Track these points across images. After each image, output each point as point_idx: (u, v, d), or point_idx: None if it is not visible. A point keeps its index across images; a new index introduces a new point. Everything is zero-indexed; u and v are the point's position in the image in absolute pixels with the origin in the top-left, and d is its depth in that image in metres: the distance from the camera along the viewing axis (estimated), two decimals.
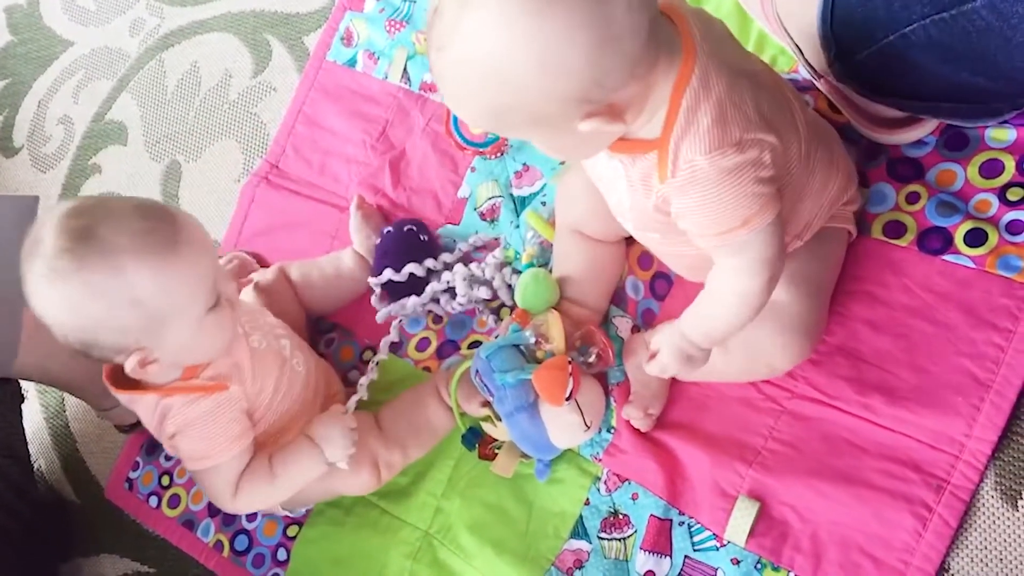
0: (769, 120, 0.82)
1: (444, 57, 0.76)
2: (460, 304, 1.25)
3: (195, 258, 1.01)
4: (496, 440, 1.17)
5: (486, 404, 1.13)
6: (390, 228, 1.31)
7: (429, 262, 1.27)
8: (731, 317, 0.92)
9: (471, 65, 0.75)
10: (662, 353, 0.97)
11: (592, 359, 1.11)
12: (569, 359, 1.08)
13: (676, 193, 0.83)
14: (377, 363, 1.26)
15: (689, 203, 0.83)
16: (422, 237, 1.31)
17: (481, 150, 1.32)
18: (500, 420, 1.12)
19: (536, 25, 0.71)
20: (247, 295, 1.29)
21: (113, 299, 0.97)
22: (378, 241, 1.31)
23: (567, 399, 1.06)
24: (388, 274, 1.27)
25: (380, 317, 1.27)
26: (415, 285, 1.27)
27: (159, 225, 0.99)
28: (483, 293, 1.23)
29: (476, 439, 1.17)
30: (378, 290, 1.29)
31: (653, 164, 0.83)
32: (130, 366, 1.02)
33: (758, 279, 0.87)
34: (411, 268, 1.26)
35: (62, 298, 0.97)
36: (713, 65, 0.79)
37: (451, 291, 1.26)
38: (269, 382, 1.14)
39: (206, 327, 1.04)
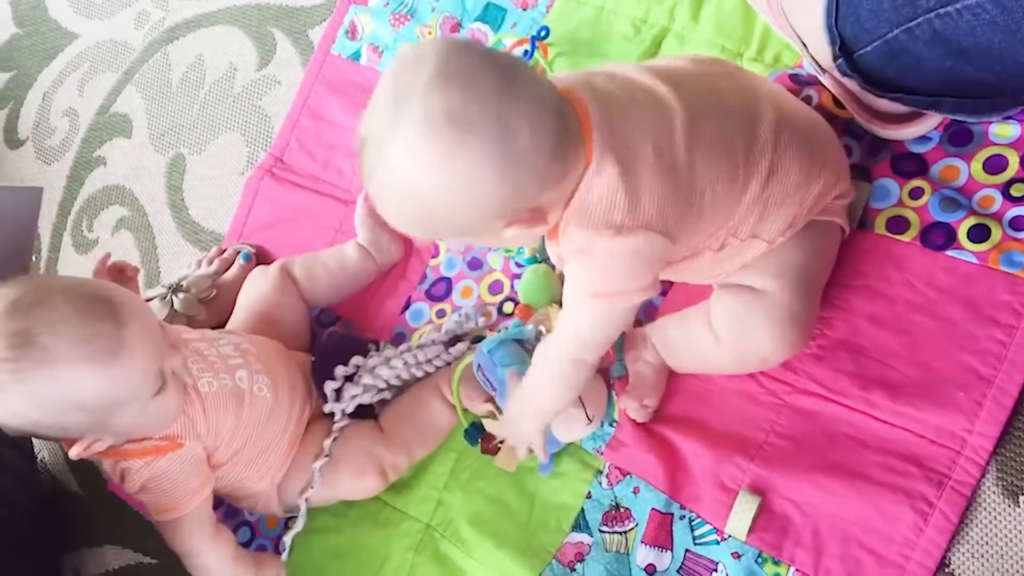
0: (662, 213, 0.87)
1: (373, 183, 0.84)
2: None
3: (140, 355, 0.98)
4: (498, 437, 1.17)
5: (489, 400, 1.13)
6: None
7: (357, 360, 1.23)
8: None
9: (394, 191, 0.83)
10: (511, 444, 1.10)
11: None
12: None
13: (568, 257, 0.91)
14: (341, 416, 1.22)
15: (571, 264, 0.92)
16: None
17: None
18: (502, 414, 1.12)
19: (445, 159, 0.79)
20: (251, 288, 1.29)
21: (55, 407, 0.95)
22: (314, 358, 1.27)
23: None
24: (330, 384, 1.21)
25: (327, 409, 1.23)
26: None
27: (101, 328, 0.95)
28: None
29: (479, 434, 1.18)
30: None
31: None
32: (75, 453, 1.01)
33: (580, 347, 0.97)
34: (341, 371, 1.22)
35: (1, 405, 0.95)
36: (608, 149, 0.85)
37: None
38: (227, 421, 1.13)
39: (153, 407, 1.02)
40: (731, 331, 1.02)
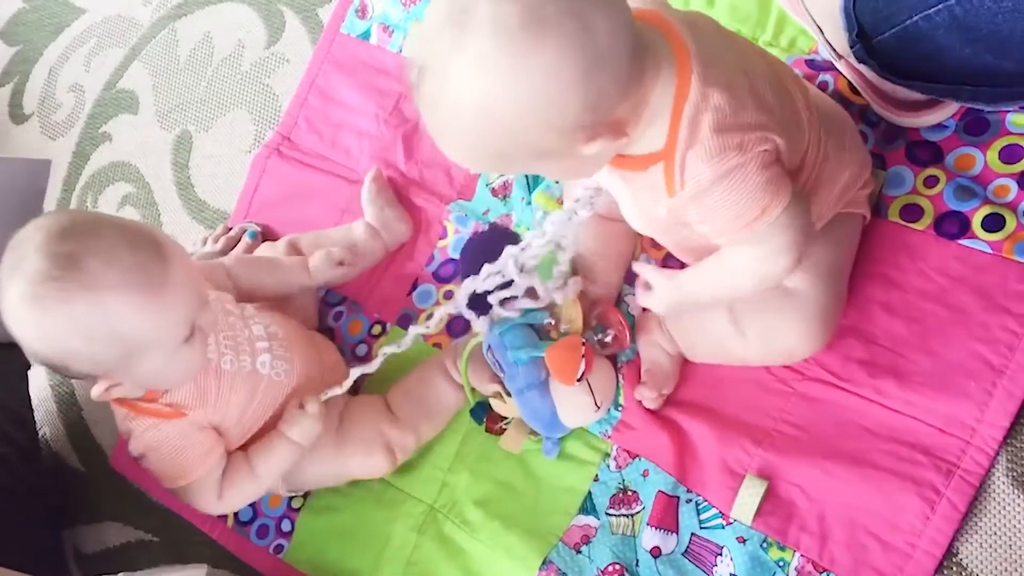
0: (770, 115, 0.83)
1: (438, 114, 0.78)
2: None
3: (181, 295, 0.98)
4: (505, 417, 1.17)
5: (496, 380, 1.13)
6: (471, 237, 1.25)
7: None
8: (740, 292, 0.94)
9: (466, 116, 0.76)
10: (655, 297, 0.98)
11: (608, 339, 1.11)
12: (583, 340, 1.08)
13: (688, 203, 0.84)
14: (384, 356, 1.16)
15: (704, 210, 0.84)
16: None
17: None
18: (510, 397, 1.12)
19: (522, 65, 0.73)
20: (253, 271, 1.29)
21: (93, 334, 0.95)
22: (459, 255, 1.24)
23: (579, 379, 1.06)
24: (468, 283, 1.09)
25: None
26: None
27: (149, 262, 0.96)
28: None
29: (484, 414, 1.17)
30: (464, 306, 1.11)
31: (659, 176, 0.84)
32: (97, 392, 1.01)
33: (782, 262, 0.88)
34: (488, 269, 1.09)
35: (40, 325, 0.94)
36: (709, 71, 0.80)
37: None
38: (237, 400, 1.12)
39: (178, 357, 1.02)
40: (758, 326, 1.01)
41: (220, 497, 1.13)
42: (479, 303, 1.08)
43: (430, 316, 1.12)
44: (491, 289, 1.07)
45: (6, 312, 0.95)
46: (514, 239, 1.10)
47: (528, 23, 0.71)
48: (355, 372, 1.13)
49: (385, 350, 1.12)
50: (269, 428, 1.17)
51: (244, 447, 1.16)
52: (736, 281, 0.92)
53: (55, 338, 0.95)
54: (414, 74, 0.78)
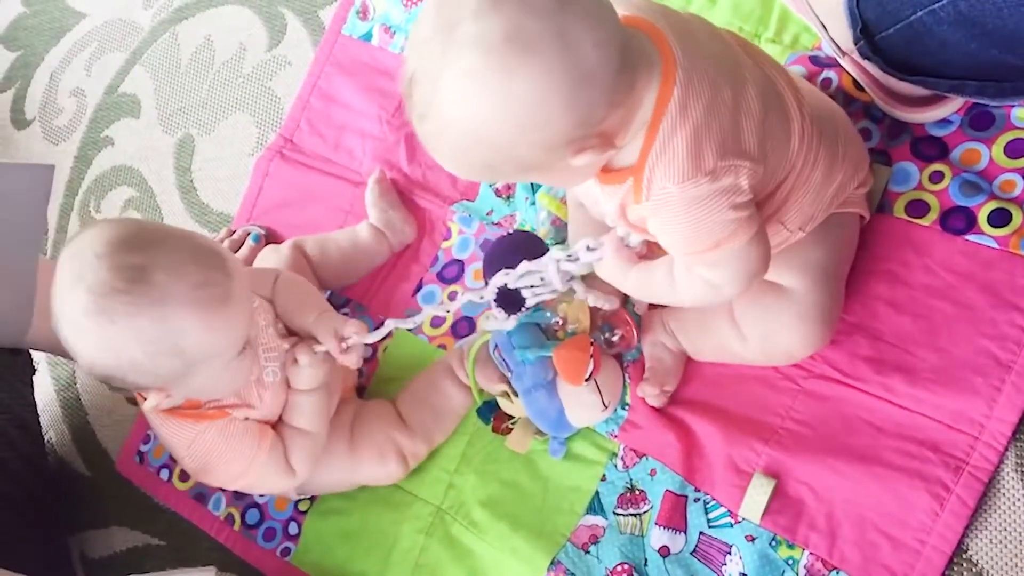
0: (749, 142, 0.82)
1: (427, 125, 0.78)
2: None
3: (241, 312, 0.99)
4: (511, 416, 1.17)
5: (503, 380, 1.13)
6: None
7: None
8: (680, 303, 0.96)
9: (454, 130, 0.76)
10: (602, 266, 0.97)
11: (615, 339, 1.11)
12: (591, 339, 1.08)
13: (650, 214, 0.84)
14: (393, 328, 1.12)
15: (662, 224, 0.85)
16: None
17: None
18: (517, 396, 1.11)
19: (507, 85, 0.72)
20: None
21: (158, 348, 0.95)
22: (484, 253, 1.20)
23: (586, 380, 1.06)
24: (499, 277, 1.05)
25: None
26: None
27: (215, 277, 0.96)
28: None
29: (491, 414, 1.17)
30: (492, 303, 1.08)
31: (628, 190, 0.84)
32: (150, 404, 1.01)
33: (725, 291, 0.89)
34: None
35: (104, 338, 0.94)
36: (694, 82, 0.79)
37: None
38: (277, 404, 1.14)
39: (230, 370, 1.03)
40: (757, 329, 1.01)
41: (293, 469, 1.14)
42: (507, 299, 1.06)
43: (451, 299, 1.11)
44: (522, 287, 1.05)
45: (67, 322, 0.95)
46: (542, 245, 1.09)
47: (511, 42, 0.71)
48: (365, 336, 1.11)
49: (391, 322, 1.09)
50: None
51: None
52: (678, 294, 0.93)
53: (119, 351, 0.95)
54: (404, 83, 0.78)
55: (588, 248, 0.96)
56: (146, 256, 0.93)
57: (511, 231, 1.25)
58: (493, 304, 1.06)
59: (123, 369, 0.96)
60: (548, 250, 1.01)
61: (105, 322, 0.92)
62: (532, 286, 1.03)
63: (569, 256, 0.99)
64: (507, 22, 0.71)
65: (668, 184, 0.80)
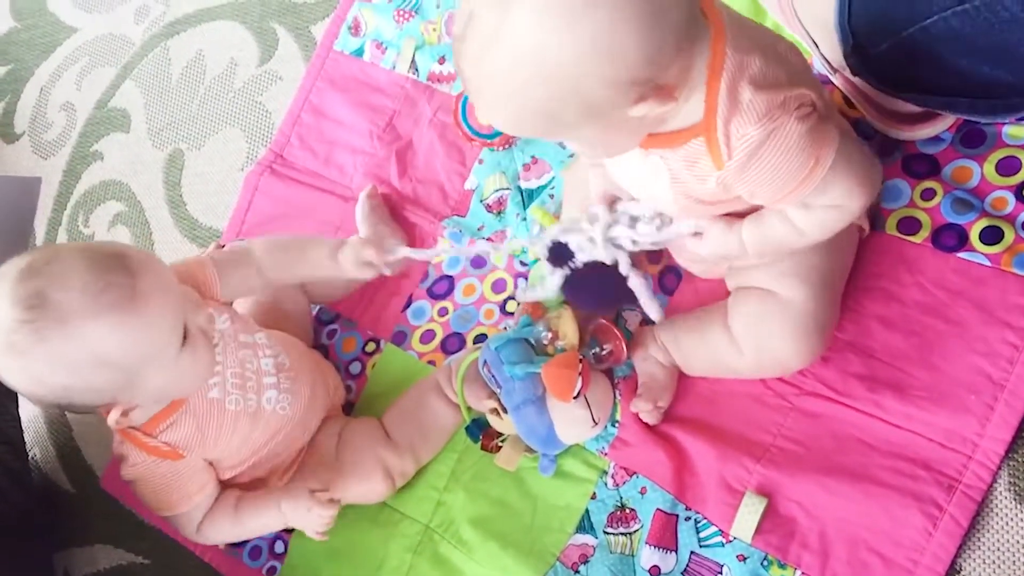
0: (803, 77, 0.82)
1: (488, 64, 0.75)
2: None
3: (156, 305, 0.96)
4: (500, 434, 1.16)
5: (492, 396, 1.12)
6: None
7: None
8: (803, 244, 0.92)
9: (522, 64, 0.73)
10: (705, 243, 0.95)
11: (604, 353, 1.10)
12: (580, 356, 1.07)
13: (738, 172, 0.82)
14: (406, 256, 1.17)
15: (755, 176, 0.83)
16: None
17: (489, 141, 1.31)
18: (506, 413, 1.10)
19: (586, 10, 0.70)
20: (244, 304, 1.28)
21: (78, 365, 0.93)
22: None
23: (575, 397, 1.05)
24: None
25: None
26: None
27: (114, 279, 0.93)
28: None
29: (480, 432, 1.16)
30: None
31: (700, 150, 0.82)
32: (113, 419, 1.00)
33: (855, 202, 0.88)
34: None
35: (26, 371, 0.93)
36: (742, 41, 0.79)
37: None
38: (237, 439, 1.12)
39: (182, 364, 1.00)
40: (752, 337, 1.01)
41: (198, 530, 1.14)
42: (557, 254, 1.04)
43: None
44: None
45: None
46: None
47: None
48: (404, 251, 1.17)
49: (412, 253, 1.16)
50: (272, 459, 1.18)
51: (233, 482, 1.17)
52: (805, 234, 0.90)
53: (44, 380, 0.94)
54: (460, 24, 0.76)
55: (693, 232, 0.95)
56: (40, 279, 0.92)
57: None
58: (546, 254, 1.04)
59: (60, 395, 0.96)
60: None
61: (20, 356, 0.92)
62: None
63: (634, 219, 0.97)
64: None
65: (748, 129, 0.79)
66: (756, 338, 1.01)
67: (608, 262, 1.01)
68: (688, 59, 0.77)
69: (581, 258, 1.02)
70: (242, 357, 1.12)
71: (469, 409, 1.17)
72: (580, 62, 0.72)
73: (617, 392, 1.13)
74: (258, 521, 1.15)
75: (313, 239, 1.26)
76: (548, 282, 1.05)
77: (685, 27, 0.75)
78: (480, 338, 1.23)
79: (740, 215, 0.93)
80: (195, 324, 1.01)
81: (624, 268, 1.01)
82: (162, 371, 0.99)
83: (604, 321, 1.12)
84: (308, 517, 1.12)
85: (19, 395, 1.39)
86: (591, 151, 0.89)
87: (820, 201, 0.87)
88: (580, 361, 1.06)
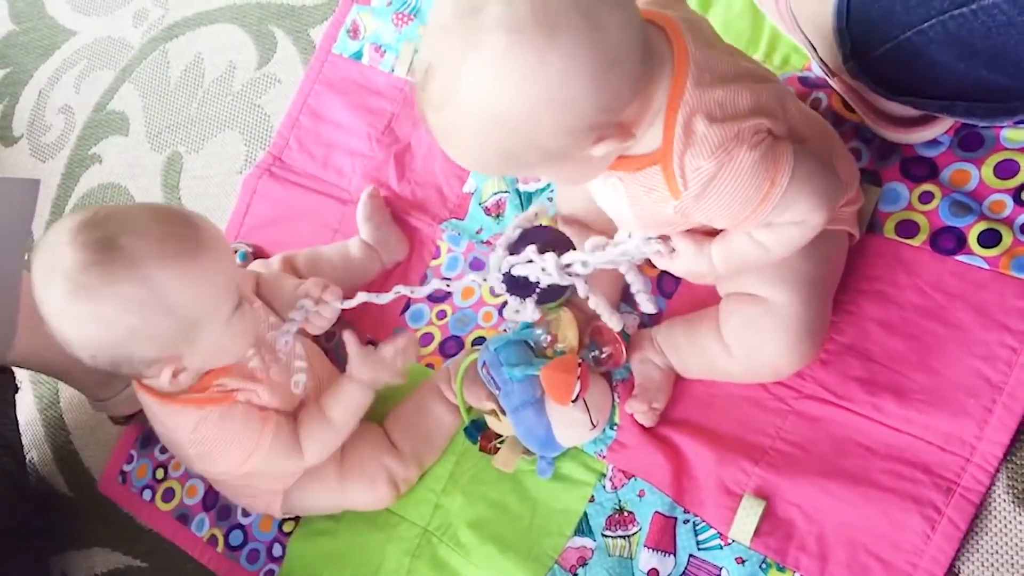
0: (764, 107, 0.82)
1: (447, 115, 0.77)
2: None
3: (218, 258, 1.00)
4: (499, 435, 1.15)
5: (491, 397, 1.12)
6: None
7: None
8: (770, 260, 0.92)
9: (478, 117, 0.75)
10: (678, 261, 0.95)
11: (604, 355, 1.10)
12: (579, 359, 1.07)
13: (694, 202, 0.83)
14: (396, 294, 1.14)
15: (712, 205, 0.83)
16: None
17: None
18: (505, 414, 1.10)
19: (535, 66, 0.72)
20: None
21: (146, 309, 0.95)
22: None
23: (573, 400, 1.05)
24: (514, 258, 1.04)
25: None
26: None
27: (179, 229, 0.97)
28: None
29: (479, 433, 1.16)
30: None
31: (658, 179, 0.83)
32: (165, 379, 1.01)
33: (816, 218, 0.86)
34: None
35: (92, 314, 0.94)
36: (704, 75, 0.79)
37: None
38: (284, 395, 1.14)
39: (233, 327, 1.02)
40: (743, 343, 1.01)
41: (302, 453, 1.13)
42: (516, 284, 1.05)
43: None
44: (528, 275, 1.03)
45: (55, 314, 0.95)
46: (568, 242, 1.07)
47: (540, 22, 0.70)
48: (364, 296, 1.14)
49: (399, 288, 1.12)
50: None
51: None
52: (771, 250, 0.90)
53: (112, 323, 0.95)
54: (420, 73, 0.77)
55: (650, 241, 0.94)
56: (107, 228, 0.94)
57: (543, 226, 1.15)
58: (503, 288, 1.04)
59: (124, 343, 0.96)
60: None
61: (88, 298, 0.93)
62: (537, 281, 1.02)
63: (594, 248, 0.97)
64: (534, 2, 0.70)
65: (701, 162, 0.80)
66: (747, 343, 1.01)
67: (566, 285, 1.01)
68: (647, 96, 0.79)
69: (544, 284, 1.03)
70: (271, 337, 1.14)
71: (469, 410, 1.17)
72: (534, 114, 0.74)
73: (616, 395, 1.13)
74: (346, 407, 1.14)
75: (288, 277, 1.25)
76: (525, 310, 1.05)
77: (640, 70, 0.76)
78: (479, 341, 1.23)
79: (709, 233, 0.93)
80: (243, 291, 1.05)
81: (582, 291, 1.01)
82: (216, 331, 1.00)
83: (603, 324, 1.12)
84: (379, 367, 1.13)
85: (14, 398, 1.41)
86: (560, 182, 0.90)
87: (782, 218, 0.86)
88: (579, 365, 1.06)
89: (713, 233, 0.93)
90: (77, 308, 0.94)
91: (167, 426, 1.10)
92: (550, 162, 0.80)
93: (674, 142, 0.80)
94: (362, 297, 1.11)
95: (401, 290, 1.13)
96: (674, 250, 0.94)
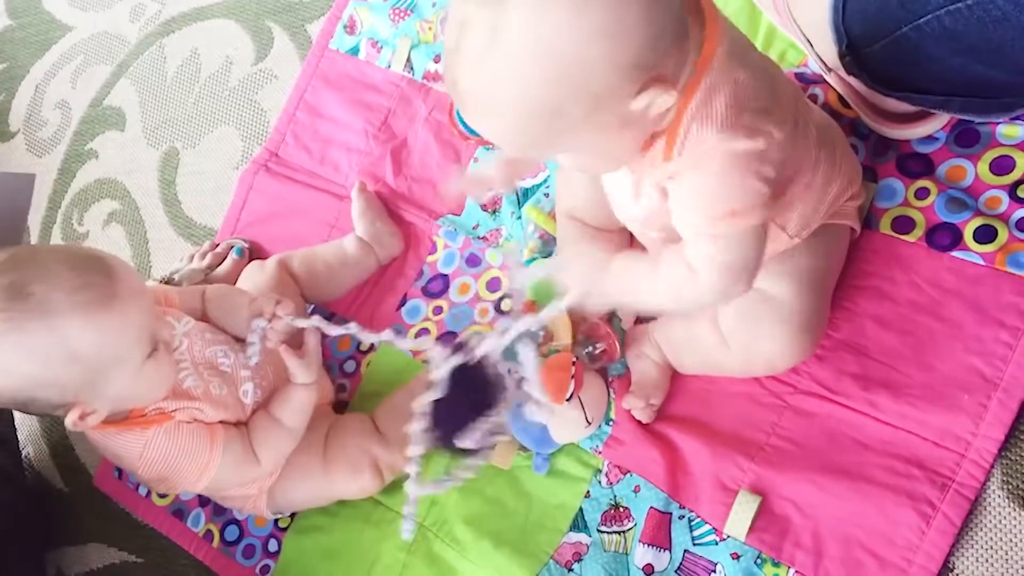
0: (782, 115, 0.81)
1: (487, 69, 0.73)
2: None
3: (132, 309, 0.97)
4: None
5: None
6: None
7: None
8: (654, 304, 0.91)
9: (526, 60, 0.72)
10: (572, 275, 0.93)
11: (597, 351, 1.10)
12: (574, 358, 1.07)
13: (675, 173, 0.81)
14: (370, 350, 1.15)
15: (686, 184, 0.81)
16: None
17: (485, 140, 1.31)
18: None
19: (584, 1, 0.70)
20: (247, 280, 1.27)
21: (50, 358, 0.94)
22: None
23: (568, 399, 1.05)
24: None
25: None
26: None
27: (93, 279, 0.95)
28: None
29: None
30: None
31: (658, 150, 0.81)
32: (70, 421, 0.99)
33: (706, 278, 0.84)
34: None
35: None
36: (736, 49, 0.79)
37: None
38: (231, 408, 1.12)
39: (145, 374, 1.01)
40: (740, 336, 1.00)
41: (259, 462, 1.12)
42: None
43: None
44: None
45: None
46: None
47: None
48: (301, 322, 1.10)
49: (317, 319, 1.08)
50: None
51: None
52: (655, 279, 0.88)
53: (15, 370, 0.94)
54: (453, 35, 0.74)
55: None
56: (18, 273, 0.93)
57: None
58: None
59: (26, 388, 0.96)
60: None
61: None
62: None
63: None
64: None
65: (707, 132, 0.78)
66: (744, 337, 1.01)
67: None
68: (683, 54, 0.77)
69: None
70: (212, 354, 1.12)
71: None
72: (587, 46, 0.71)
73: (611, 391, 1.13)
74: (294, 409, 1.13)
75: (240, 292, 1.23)
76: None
77: (682, 17, 0.75)
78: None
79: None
80: (161, 336, 1.03)
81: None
82: (126, 377, 0.99)
83: (597, 320, 1.12)
84: (305, 364, 1.11)
85: None
86: (589, 161, 0.87)
87: (702, 248, 0.84)
88: (573, 364, 1.06)
89: None
90: None
91: (115, 454, 1.09)
92: (591, 115, 0.76)
93: (689, 107, 0.78)
94: (314, 321, 1.08)
95: (351, 328, 1.07)
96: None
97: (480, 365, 0.96)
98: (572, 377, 1.05)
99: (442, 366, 0.95)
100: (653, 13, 0.72)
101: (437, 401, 0.95)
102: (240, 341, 1.17)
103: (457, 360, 0.95)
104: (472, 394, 0.96)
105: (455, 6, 0.75)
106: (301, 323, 1.10)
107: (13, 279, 0.93)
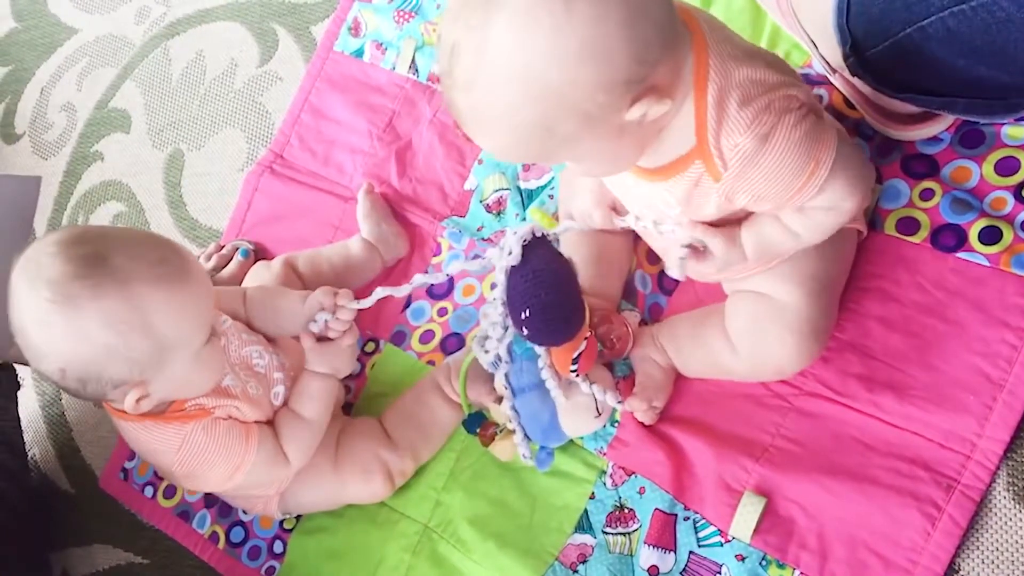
0: (791, 78, 0.82)
1: (478, 92, 0.75)
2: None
3: (202, 290, 1.00)
4: (498, 424, 1.15)
5: (493, 392, 1.11)
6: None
7: None
8: (800, 246, 0.93)
9: (512, 82, 0.73)
10: (712, 261, 0.94)
11: (612, 336, 1.09)
12: (588, 332, 1.05)
13: (736, 182, 0.83)
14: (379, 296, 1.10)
15: (755, 184, 0.83)
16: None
17: None
18: (513, 396, 1.08)
19: (566, 17, 0.70)
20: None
21: (127, 328, 0.94)
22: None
23: (574, 371, 1.03)
24: None
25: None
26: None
27: (169, 255, 0.97)
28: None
29: (477, 424, 1.15)
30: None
31: (700, 171, 0.83)
32: (130, 401, 0.99)
33: (850, 203, 0.88)
34: None
35: (73, 326, 0.93)
36: (724, 47, 0.79)
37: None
38: (264, 407, 1.13)
39: (202, 359, 1.02)
40: (748, 341, 1.01)
41: (288, 459, 1.13)
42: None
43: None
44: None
45: (32, 323, 0.94)
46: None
47: None
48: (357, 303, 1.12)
49: (380, 291, 1.09)
50: None
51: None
52: (801, 237, 0.91)
53: (91, 337, 0.93)
54: (444, 59, 0.76)
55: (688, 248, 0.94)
56: (99, 244, 0.95)
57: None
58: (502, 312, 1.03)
59: (98, 359, 0.95)
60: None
61: (71, 309, 0.92)
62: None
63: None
64: None
65: (739, 139, 0.80)
66: (752, 342, 1.01)
67: None
68: (675, 61, 0.77)
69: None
70: (247, 353, 1.13)
71: (470, 404, 1.16)
72: (571, 69, 0.72)
73: (617, 391, 1.13)
74: (314, 401, 1.14)
75: (286, 292, 1.22)
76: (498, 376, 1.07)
77: (668, 25, 0.75)
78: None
79: (734, 222, 0.93)
80: (216, 325, 1.05)
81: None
82: (186, 360, 1.00)
83: (610, 312, 1.11)
84: (334, 356, 1.13)
85: (16, 394, 1.41)
86: (594, 167, 0.88)
87: (816, 203, 0.87)
88: (586, 338, 1.04)
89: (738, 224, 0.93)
90: (57, 318, 0.92)
91: (150, 448, 1.09)
92: (586, 130, 0.77)
93: (707, 124, 0.79)
94: (379, 293, 1.09)
95: (385, 291, 1.10)
96: (705, 249, 0.93)
97: (547, 243, 1.01)
98: (582, 350, 1.03)
99: (514, 244, 0.99)
100: (634, 29, 0.72)
101: (510, 278, 0.99)
102: (272, 342, 1.18)
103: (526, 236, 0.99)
104: (542, 272, 0.98)
105: (445, 29, 0.76)
106: (366, 303, 1.10)
107: (92, 249, 0.93)
